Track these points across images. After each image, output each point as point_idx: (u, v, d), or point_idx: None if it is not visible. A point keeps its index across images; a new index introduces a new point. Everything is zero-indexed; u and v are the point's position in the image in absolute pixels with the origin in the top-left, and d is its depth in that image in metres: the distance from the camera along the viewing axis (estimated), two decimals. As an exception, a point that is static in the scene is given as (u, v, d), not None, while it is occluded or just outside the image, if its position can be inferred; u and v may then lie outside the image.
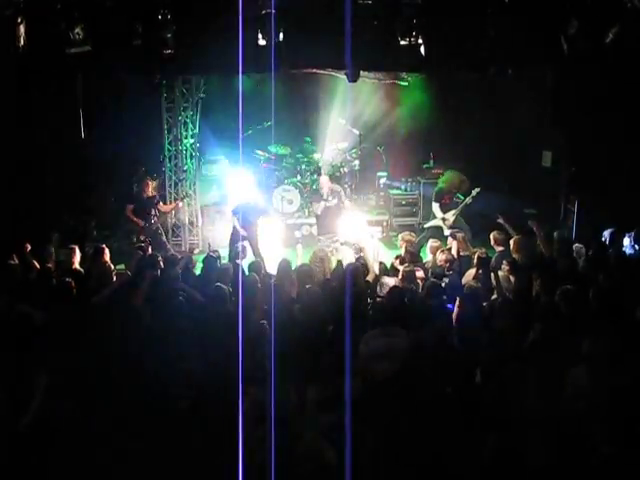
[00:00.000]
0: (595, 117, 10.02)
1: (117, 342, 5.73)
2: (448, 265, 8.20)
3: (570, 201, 11.26)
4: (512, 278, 7.51)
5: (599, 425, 4.49)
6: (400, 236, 9.08)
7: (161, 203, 11.08)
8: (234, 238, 10.09)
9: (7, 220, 9.30)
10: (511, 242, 8.46)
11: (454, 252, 9.08)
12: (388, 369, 5.13)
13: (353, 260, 8.26)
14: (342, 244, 10.00)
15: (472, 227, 10.62)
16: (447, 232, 10.42)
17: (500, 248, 8.73)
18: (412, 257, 8.45)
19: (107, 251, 8.25)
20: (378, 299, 7.34)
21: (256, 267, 8.00)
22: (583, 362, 5.21)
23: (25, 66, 8.47)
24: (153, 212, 10.63)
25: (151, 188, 10.84)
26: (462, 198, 10.83)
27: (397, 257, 8.50)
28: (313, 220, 12.18)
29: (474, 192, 10.48)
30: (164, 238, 10.91)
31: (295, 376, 5.17)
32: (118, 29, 8.26)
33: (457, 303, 6.94)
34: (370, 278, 7.67)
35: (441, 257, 8.33)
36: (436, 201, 10.75)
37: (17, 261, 7.74)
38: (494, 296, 7.22)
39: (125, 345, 5.70)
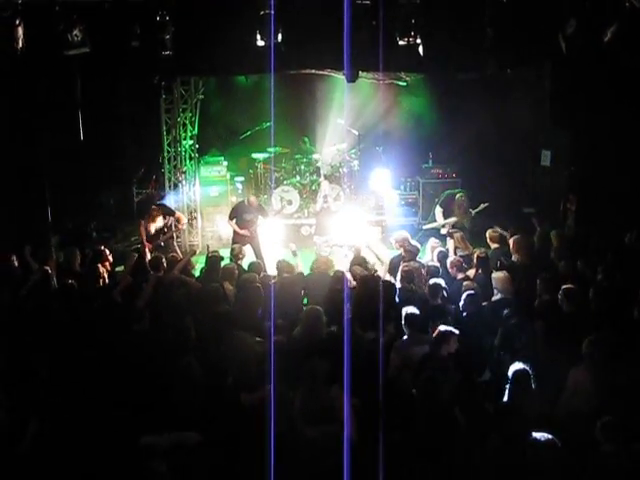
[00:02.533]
0: (594, 116, 10.02)
1: (117, 344, 5.73)
2: (457, 270, 7.88)
3: (569, 200, 11.25)
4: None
5: (600, 423, 4.49)
6: (393, 238, 8.95)
7: (177, 214, 10.28)
8: (235, 240, 10.04)
9: (7, 222, 9.28)
10: (510, 242, 8.45)
11: (451, 251, 9.06)
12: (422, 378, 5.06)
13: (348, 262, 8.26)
14: (336, 246, 10.00)
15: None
16: (444, 231, 10.31)
17: (495, 245, 8.72)
18: (411, 256, 8.33)
19: (108, 254, 8.17)
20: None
21: (255, 267, 8.00)
22: (583, 361, 5.22)
23: (23, 68, 8.46)
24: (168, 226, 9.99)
25: (157, 221, 9.85)
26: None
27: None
28: (313, 221, 12.18)
29: (482, 206, 10.27)
30: (175, 243, 10.40)
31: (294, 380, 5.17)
32: (116, 31, 8.25)
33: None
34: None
35: (451, 261, 8.10)
36: (441, 205, 10.53)
37: (17, 263, 7.74)
38: (495, 297, 7.21)
39: (125, 347, 5.70)
